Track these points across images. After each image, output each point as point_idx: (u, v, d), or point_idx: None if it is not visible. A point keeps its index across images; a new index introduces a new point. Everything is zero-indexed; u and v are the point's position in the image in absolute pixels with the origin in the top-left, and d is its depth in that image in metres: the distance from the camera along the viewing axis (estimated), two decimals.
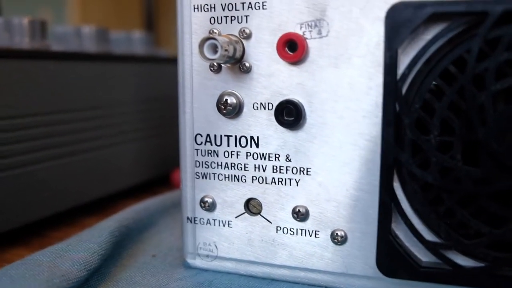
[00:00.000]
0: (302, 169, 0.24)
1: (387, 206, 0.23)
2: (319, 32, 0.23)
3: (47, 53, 0.34)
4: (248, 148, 0.25)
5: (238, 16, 0.24)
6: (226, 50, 0.23)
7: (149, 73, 0.44)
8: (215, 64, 0.25)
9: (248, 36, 0.24)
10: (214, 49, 0.23)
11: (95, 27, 0.45)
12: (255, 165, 0.25)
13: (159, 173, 0.46)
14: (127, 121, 0.42)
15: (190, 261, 0.27)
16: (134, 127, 0.43)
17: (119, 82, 0.41)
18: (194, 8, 0.25)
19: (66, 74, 0.35)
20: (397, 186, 0.23)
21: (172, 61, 0.47)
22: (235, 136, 0.25)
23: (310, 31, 0.23)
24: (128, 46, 0.50)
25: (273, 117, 0.24)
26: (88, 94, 0.37)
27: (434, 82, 0.22)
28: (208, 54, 0.23)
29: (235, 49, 0.23)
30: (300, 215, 0.24)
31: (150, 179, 0.45)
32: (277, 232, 0.25)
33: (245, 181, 0.25)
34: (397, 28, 0.21)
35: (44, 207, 0.34)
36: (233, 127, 0.25)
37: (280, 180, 0.25)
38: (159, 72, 0.46)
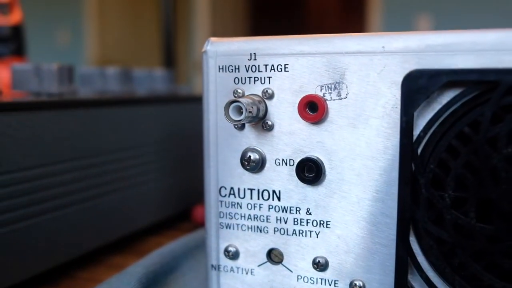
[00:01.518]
0: (321, 222, 0.25)
1: (404, 260, 0.24)
2: (339, 94, 0.24)
3: (75, 102, 0.36)
4: (270, 201, 0.26)
5: (261, 77, 0.26)
6: (250, 112, 0.24)
7: (171, 112, 0.46)
8: None
9: (271, 96, 0.25)
10: (239, 110, 0.24)
11: (119, 67, 0.47)
12: (277, 217, 0.26)
13: (181, 209, 0.47)
14: (149, 160, 0.43)
15: None
16: (156, 165, 0.44)
17: (143, 123, 0.42)
18: (219, 68, 0.26)
19: (93, 119, 0.37)
20: (413, 240, 0.24)
21: (192, 100, 0.49)
22: (258, 190, 0.26)
23: (330, 93, 0.24)
24: (150, 84, 0.52)
25: (294, 173, 0.25)
26: (113, 138, 0.39)
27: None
28: (233, 116, 0.24)
29: (258, 109, 0.25)
30: (320, 265, 0.26)
31: (172, 215, 0.47)
32: (297, 281, 0.26)
33: (267, 232, 0.27)
34: (413, 94, 0.23)
35: (73, 248, 0.36)
36: (256, 181, 0.26)
37: (301, 232, 0.26)
38: (180, 110, 0.47)
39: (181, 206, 0.48)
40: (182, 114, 0.48)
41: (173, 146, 0.46)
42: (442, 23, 2.47)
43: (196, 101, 0.49)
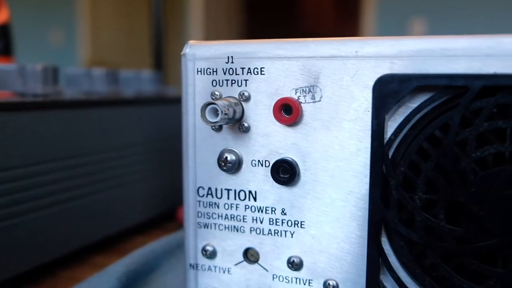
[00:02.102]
0: (296, 222, 0.26)
1: (375, 260, 0.24)
2: (313, 97, 0.25)
3: (59, 102, 0.36)
4: (246, 201, 0.27)
5: (238, 80, 0.26)
6: (225, 114, 0.24)
7: (158, 113, 0.46)
8: None
9: (247, 99, 0.26)
10: (215, 112, 0.24)
11: (106, 68, 0.47)
12: (253, 217, 0.27)
13: (166, 209, 0.48)
14: (135, 161, 0.44)
15: None
16: (142, 166, 0.44)
17: (129, 124, 0.43)
18: (198, 71, 0.27)
19: (78, 120, 0.37)
20: (384, 241, 0.25)
21: (179, 101, 0.49)
22: (235, 190, 0.27)
23: (305, 96, 0.25)
24: (137, 85, 0.52)
25: (269, 174, 0.26)
26: (98, 138, 0.39)
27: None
28: (210, 118, 0.24)
29: (234, 111, 0.25)
30: (295, 264, 0.26)
31: (158, 216, 0.47)
32: (273, 280, 0.27)
33: (244, 232, 0.27)
34: (384, 98, 0.23)
35: (56, 247, 0.36)
36: (233, 181, 0.27)
37: (276, 231, 0.26)
38: (167, 111, 0.48)
39: (167, 206, 0.48)
40: (168, 115, 0.48)
41: (160, 147, 0.47)
42: (436, 27, 2.48)
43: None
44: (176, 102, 0.49)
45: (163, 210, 0.48)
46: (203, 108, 0.24)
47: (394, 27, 2.57)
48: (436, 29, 2.48)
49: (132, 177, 0.43)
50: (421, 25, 2.53)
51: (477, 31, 2.23)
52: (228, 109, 0.25)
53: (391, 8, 2.61)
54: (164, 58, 0.74)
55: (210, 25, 3.13)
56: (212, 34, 3.10)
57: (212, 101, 0.24)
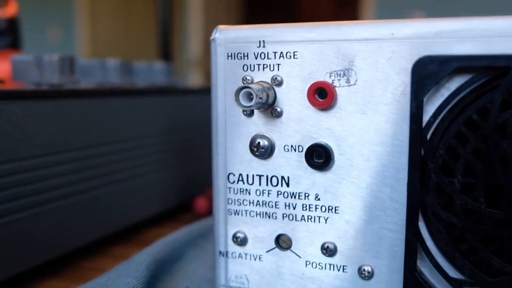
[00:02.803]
0: (330, 208, 0.26)
1: (413, 245, 0.24)
2: (348, 81, 0.24)
3: (78, 92, 0.36)
4: (279, 187, 0.26)
5: (270, 65, 0.26)
6: (260, 98, 0.24)
7: (171, 104, 0.46)
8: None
9: (280, 83, 0.26)
10: (249, 97, 0.24)
11: (120, 59, 0.47)
12: (285, 203, 0.26)
13: (182, 200, 0.48)
14: (150, 152, 0.43)
15: None
16: (157, 157, 0.44)
17: (144, 114, 0.42)
18: (228, 56, 0.26)
19: (95, 110, 0.37)
20: (422, 225, 0.24)
21: (193, 92, 0.49)
22: (267, 176, 0.27)
23: (339, 80, 0.25)
24: (149, 77, 0.52)
25: (303, 159, 0.26)
26: (116, 128, 0.39)
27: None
28: (244, 102, 0.24)
29: (268, 96, 0.25)
30: (329, 250, 0.26)
31: (173, 207, 0.47)
32: (306, 266, 0.27)
33: (276, 218, 0.27)
34: (423, 80, 0.23)
35: (77, 238, 0.36)
36: (265, 167, 0.26)
37: (310, 217, 0.26)
38: (180, 102, 0.47)
39: (182, 197, 0.48)
40: (182, 106, 0.48)
41: (174, 138, 0.46)
42: (434, 15, 2.48)
43: (196, 93, 0.49)
44: (189, 93, 0.49)
45: (179, 201, 0.47)
46: (237, 92, 0.24)
47: (392, 14, 2.57)
48: (433, 16, 2.48)
49: (148, 167, 0.43)
50: (419, 12, 2.53)
51: None
52: (262, 93, 0.24)
53: (390, 0, 2.61)
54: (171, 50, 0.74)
55: (210, 21, 3.12)
56: (212, 28, 3.09)
57: (246, 85, 0.24)
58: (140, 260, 0.29)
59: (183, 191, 0.48)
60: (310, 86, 0.25)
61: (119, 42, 3.25)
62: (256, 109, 0.26)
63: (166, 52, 0.73)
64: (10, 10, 0.63)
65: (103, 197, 0.38)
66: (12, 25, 0.63)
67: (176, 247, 0.33)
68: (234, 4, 3.46)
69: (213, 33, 0.27)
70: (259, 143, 0.26)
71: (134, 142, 0.41)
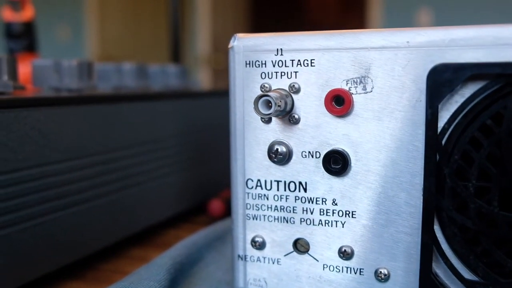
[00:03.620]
0: (347, 212, 0.26)
1: (428, 248, 0.25)
2: (364, 88, 0.25)
3: (97, 97, 0.37)
4: (296, 192, 0.27)
5: (288, 72, 0.26)
6: (279, 106, 0.25)
7: (186, 107, 0.47)
8: None
9: (297, 91, 0.26)
10: (268, 104, 0.25)
11: (135, 63, 0.47)
12: (303, 208, 0.27)
13: (197, 202, 0.48)
14: (166, 155, 0.44)
15: None
16: (172, 160, 0.45)
17: (159, 118, 0.43)
18: (246, 64, 0.27)
19: (113, 114, 0.38)
20: (437, 229, 0.25)
21: (205, 95, 0.50)
22: (284, 182, 0.27)
23: (356, 87, 0.25)
24: (164, 80, 0.52)
25: (320, 165, 0.26)
26: (131, 132, 0.40)
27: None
28: (263, 110, 0.25)
29: (286, 103, 0.26)
30: (346, 254, 0.26)
31: (188, 209, 0.48)
32: (323, 270, 0.27)
33: (294, 223, 0.27)
34: (438, 87, 0.23)
35: (95, 241, 0.36)
36: (283, 173, 0.27)
37: (327, 222, 0.27)
38: (194, 105, 0.48)
39: (197, 199, 0.48)
40: (197, 109, 0.48)
41: (189, 140, 0.47)
42: (442, 18, 2.47)
43: (210, 96, 0.50)
44: (203, 95, 0.49)
45: (193, 204, 0.48)
46: (256, 100, 0.25)
47: (400, 17, 2.57)
48: (442, 19, 2.47)
49: (164, 170, 0.44)
50: (427, 15, 2.52)
51: (483, 20, 2.22)
52: (280, 101, 0.25)
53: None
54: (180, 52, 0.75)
55: (218, 21, 3.13)
56: (219, 28, 3.10)
57: (265, 93, 0.25)
58: (161, 264, 0.30)
59: (198, 193, 0.48)
60: (327, 94, 0.25)
61: (128, 41, 3.26)
62: (275, 116, 0.26)
63: (177, 53, 0.74)
64: (27, 14, 0.64)
65: (122, 200, 0.39)
66: (28, 29, 0.64)
67: (195, 250, 0.33)
68: (241, 4, 3.46)
69: (231, 41, 0.28)
70: (277, 149, 0.26)
71: (150, 146, 0.42)
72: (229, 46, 0.27)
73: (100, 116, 0.36)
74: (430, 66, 0.24)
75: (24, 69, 0.49)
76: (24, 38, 0.63)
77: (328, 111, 0.26)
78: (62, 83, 0.40)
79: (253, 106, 0.25)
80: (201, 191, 0.49)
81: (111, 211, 0.38)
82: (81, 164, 0.34)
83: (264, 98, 0.25)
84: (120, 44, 3.27)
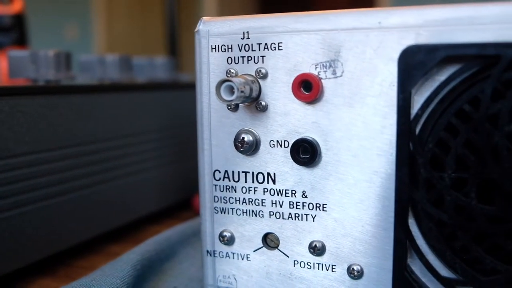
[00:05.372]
0: (318, 205, 0.25)
1: (402, 243, 0.23)
2: (334, 73, 0.23)
3: (71, 87, 0.35)
4: (265, 184, 0.26)
5: (254, 57, 0.25)
6: (242, 91, 0.23)
7: (172, 99, 0.45)
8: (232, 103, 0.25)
9: (264, 76, 0.25)
10: (231, 90, 0.23)
11: (119, 55, 0.46)
12: (272, 200, 0.26)
13: (182, 197, 0.47)
14: (150, 148, 0.43)
15: None
16: (157, 153, 0.43)
17: (142, 110, 0.42)
18: (212, 48, 0.26)
19: (90, 106, 0.36)
20: (412, 223, 0.23)
21: (190, 87, 0.48)
22: (252, 173, 0.26)
23: (325, 71, 0.24)
24: (151, 72, 0.51)
25: (289, 155, 0.25)
26: (111, 124, 0.38)
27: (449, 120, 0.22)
28: (225, 96, 0.23)
29: (251, 89, 0.24)
30: (317, 249, 0.25)
31: (173, 204, 0.46)
32: (294, 266, 0.26)
33: (263, 216, 0.26)
34: (410, 70, 0.22)
35: (70, 237, 0.35)
36: (251, 163, 0.26)
37: (297, 215, 0.25)
38: (181, 97, 0.47)
39: (182, 194, 0.47)
40: (183, 102, 0.47)
41: (174, 134, 0.46)
42: None
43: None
44: (190, 87, 0.48)
45: (178, 199, 0.47)
46: (218, 86, 0.23)
47: None
48: None
49: (146, 164, 0.42)
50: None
51: None
52: (244, 87, 0.23)
53: None
54: (178, 44, 0.73)
55: (225, 14, 3.11)
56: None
57: (227, 78, 0.23)
58: (127, 260, 0.28)
59: (183, 188, 0.47)
60: (295, 79, 0.24)
61: (135, 39, 3.26)
62: (240, 103, 0.25)
63: (173, 45, 0.73)
64: (16, 6, 0.63)
65: (99, 194, 0.37)
66: (18, 21, 0.63)
67: (167, 245, 0.32)
68: None
69: (197, 25, 0.26)
70: (243, 138, 0.25)
71: (132, 138, 0.41)
72: (195, 30, 0.26)
73: (73, 107, 0.35)
74: (403, 48, 0.22)
75: None
76: (14, 31, 0.62)
77: (296, 97, 0.24)
78: (39, 74, 0.38)
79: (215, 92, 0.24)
80: (186, 186, 0.47)
81: (87, 206, 0.36)
82: (51, 157, 0.33)
83: (226, 84, 0.23)
84: (128, 41, 3.26)
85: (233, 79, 0.23)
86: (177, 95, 0.46)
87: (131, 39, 3.27)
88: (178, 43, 0.75)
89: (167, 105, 0.45)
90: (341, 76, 0.23)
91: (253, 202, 0.26)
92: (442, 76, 0.22)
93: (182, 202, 0.47)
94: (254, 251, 0.26)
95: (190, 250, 0.33)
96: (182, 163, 0.47)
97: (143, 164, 0.42)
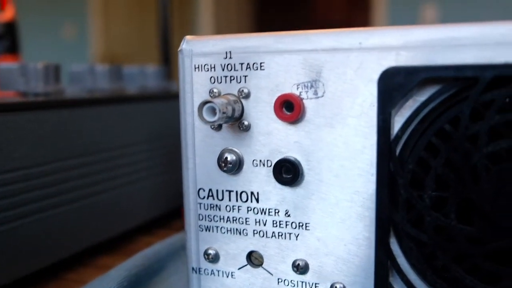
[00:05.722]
0: (301, 224, 0.25)
1: (383, 262, 0.23)
2: (315, 93, 0.24)
3: (59, 102, 0.35)
4: (249, 203, 0.26)
5: (237, 76, 0.25)
6: (224, 112, 0.23)
7: (163, 109, 0.45)
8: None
9: (247, 96, 0.25)
10: (213, 111, 0.23)
11: (109, 65, 0.46)
12: (255, 219, 0.26)
13: (173, 207, 0.47)
14: (140, 159, 0.43)
15: None
16: (148, 164, 0.43)
17: (132, 121, 0.42)
18: (195, 68, 0.26)
19: (79, 119, 0.36)
20: (393, 242, 0.23)
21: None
22: (236, 191, 0.26)
23: (307, 92, 0.24)
24: (142, 81, 0.51)
25: (272, 174, 0.25)
26: (101, 137, 0.38)
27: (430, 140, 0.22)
28: (207, 117, 0.23)
29: (233, 109, 0.24)
30: (300, 268, 0.25)
31: (164, 214, 0.46)
32: (278, 284, 0.26)
33: (247, 235, 0.26)
34: (389, 92, 0.22)
35: (61, 249, 0.35)
36: (234, 182, 0.26)
37: (280, 234, 0.25)
38: (172, 107, 0.47)
39: (174, 204, 0.47)
40: (174, 111, 0.47)
41: (166, 144, 0.46)
42: (448, 13, 2.44)
43: None
44: (177, 97, 0.48)
45: (170, 209, 0.47)
46: (200, 107, 0.23)
47: (405, 14, 2.54)
48: (447, 15, 2.44)
49: (138, 175, 0.42)
50: (433, 11, 2.49)
51: (489, 16, 2.19)
52: (226, 107, 0.24)
53: None
54: (172, 52, 0.73)
55: (221, 19, 3.10)
56: (223, 27, 3.07)
57: (209, 99, 0.23)
58: (114, 276, 0.28)
59: (174, 198, 0.47)
60: (276, 99, 0.24)
61: (133, 40, 3.25)
62: (223, 123, 0.25)
63: (166, 54, 0.73)
64: (7, 14, 0.63)
65: (90, 207, 0.38)
66: (9, 29, 0.63)
67: (156, 260, 0.32)
68: (245, 1, 3.43)
69: (181, 44, 0.26)
70: (226, 158, 0.25)
71: (122, 150, 0.41)
72: (178, 49, 0.26)
73: (62, 121, 0.35)
74: (383, 69, 0.22)
75: None
76: (5, 39, 0.62)
77: (278, 117, 0.24)
78: (28, 87, 0.39)
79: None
80: (178, 196, 0.47)
81: (77, 218, 0.36)
82: (42, 171, 0.33)
83: (208, 105, 0.23)
84: (125, 43, 3.26)
85: (215, 100, 0.23)
86: (168, 105, 0.46)
87: (129, 39, 3.27)
88: (171, 51, 0.75)
89: (158, 115, 0.45)
90: (322, 96, 0.24)
91: (237, 220, 0.26)
92: (422, 97, 0.22)
93: (173, 212, 0.47)
94: (238, 268, 0.26)
95: (179, 264, 0.33)
96: (173, 173, 0.47)
97: (134, 175, 0.42)
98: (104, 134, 0.39)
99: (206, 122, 0.23)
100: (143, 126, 0.43)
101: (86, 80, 0.45)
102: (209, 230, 0.27)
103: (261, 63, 0.24)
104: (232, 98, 0.25)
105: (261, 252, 0.26)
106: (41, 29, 3.00)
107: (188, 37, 0.26)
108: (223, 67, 0.25)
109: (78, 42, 3.19)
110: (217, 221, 0.26)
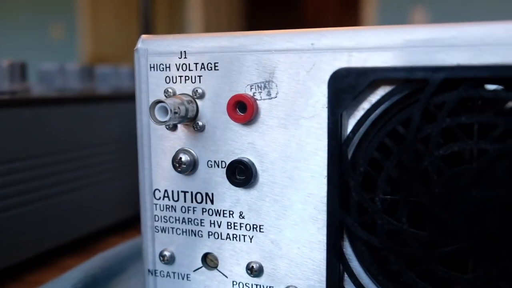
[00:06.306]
0: (255, 226, 0.25)
1: (335, 265, 0.23)
2: (269, 94, 0.23)
3: (22, 100, 0.35)
4: (203, 204, 0.25)
5: (191, 76, 0.25)
6: (175, 113, 0.23)
7: (130, 109, 0.45)
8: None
9: (201, 96, 0.24)
10: (165, 111, 0.23)
11: (80, 64, 0.46)
12: (210, 220, 0.25)
13: None
14: (109, 159, 0.42)
15: None
16: (117, 164, 0.43)
17: (101, 121, 0.41)
18: (151, 67, 0.25)
19: (43, 119, 0.36)
20: (347, 245, 0.23)
21: None
22: (191, 192, 0.25)
23: (260, 92, 0.23)
24: (115, 81, 0.51)
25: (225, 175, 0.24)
26: (69, 136, 0.38)
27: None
28: (159, 117, 0.23)
29: (187, 110, 0.24)
30: (254, 270, 0.25)
31: (134, 216, 0.46)
32: (233, 286, 0.25)
33: (202, 236, 0.26)
34: (340, 93, 0.22)
35: (23, 250, 0.35)
36: (189, 183, 0.25)
37: (235, 236, 0.25)
38: None
39: None
40: None
41: (135, 144, 0.45)
42: (438, 15, 2.44)
43: None
44: None
45: (139, 210, 0.46)
46: (152, 107, 0.23)
47: (395, 16, 2.54)
48: (437, 17, 2.45)
49: (105, 175, 0.42)
50: (422, 14, 2.50)
51: (478, 18, 2.19)
52: (179, 108, 0.23)
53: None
54: None
55: (211, 20, 3.10)
56: (212, 28, 3.07)
57: (161, 99, 0.23)
58: (70, 277, 0.28)
59: None
60: (229, 100, 0.24)
61: (121, 40, 3.24)
62: (177, 123, 0.25)
63: None
64: None
65: (56, 206, 0.37)
66: None
67: (116, 261, 0.32)
68: (235, 2, 3.43)
69: (137, 43, 0.26)
70: (181, 158, 0.25)
71: (90, 150, 0.40)
72: (135, 48, 0.26)
73: (27, 119, 0.35)
74: (335, 70, 0.22)
75: None
76: None
77: (231, 118, 0.24)
78: None
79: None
80: None
81: (40, 218, 0.36)
82: (4, 170, 0.33)
83: (160, 105, 0.23)
84: (114, 43, 3.25)
85: (167, 100, 0.23)
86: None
87: (118, 39, 3.26)
88: None
89: (130, 115, 0.45)
90: (275, 97, 0.23)
91: (192, 222, 0.26)
92: (373, 98, 0.22)
93: None
94: (194, 270, 0.26)
95: (140, 266, 0.33)
96: None
97: (103, 175, 0.42)
98: (71, 134, 0.38)
99: (158, 122, 0.23)
100: (114, 126, 0.43)
101: (56, 79, 0.45)
102: (164, 232, 0.26)
103: (215, 63, 0.24)
104: (186, 98, 0.24)
105: (216, 254, 0.26)
106: (28, 28, 2.98)
107: (143, 36, 0.26)
108: (178, 67, 0.25)
109: (67, 42, 3.17)
110: (172, 222, 0.26)
